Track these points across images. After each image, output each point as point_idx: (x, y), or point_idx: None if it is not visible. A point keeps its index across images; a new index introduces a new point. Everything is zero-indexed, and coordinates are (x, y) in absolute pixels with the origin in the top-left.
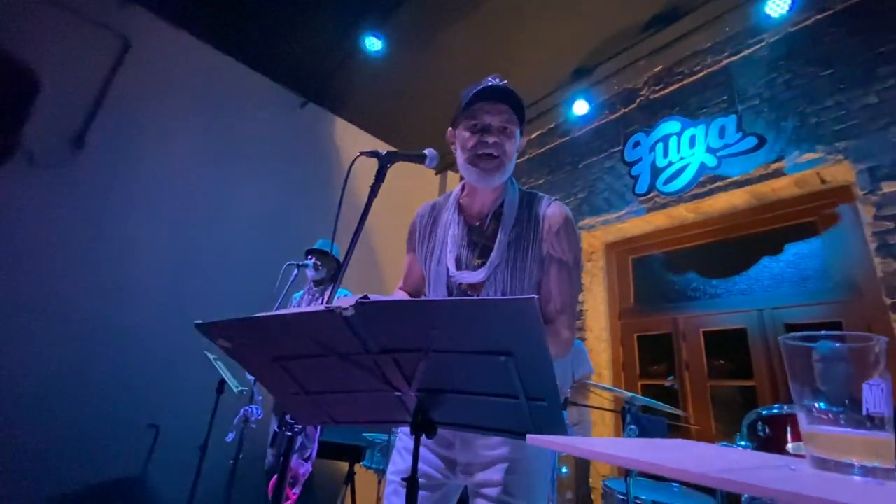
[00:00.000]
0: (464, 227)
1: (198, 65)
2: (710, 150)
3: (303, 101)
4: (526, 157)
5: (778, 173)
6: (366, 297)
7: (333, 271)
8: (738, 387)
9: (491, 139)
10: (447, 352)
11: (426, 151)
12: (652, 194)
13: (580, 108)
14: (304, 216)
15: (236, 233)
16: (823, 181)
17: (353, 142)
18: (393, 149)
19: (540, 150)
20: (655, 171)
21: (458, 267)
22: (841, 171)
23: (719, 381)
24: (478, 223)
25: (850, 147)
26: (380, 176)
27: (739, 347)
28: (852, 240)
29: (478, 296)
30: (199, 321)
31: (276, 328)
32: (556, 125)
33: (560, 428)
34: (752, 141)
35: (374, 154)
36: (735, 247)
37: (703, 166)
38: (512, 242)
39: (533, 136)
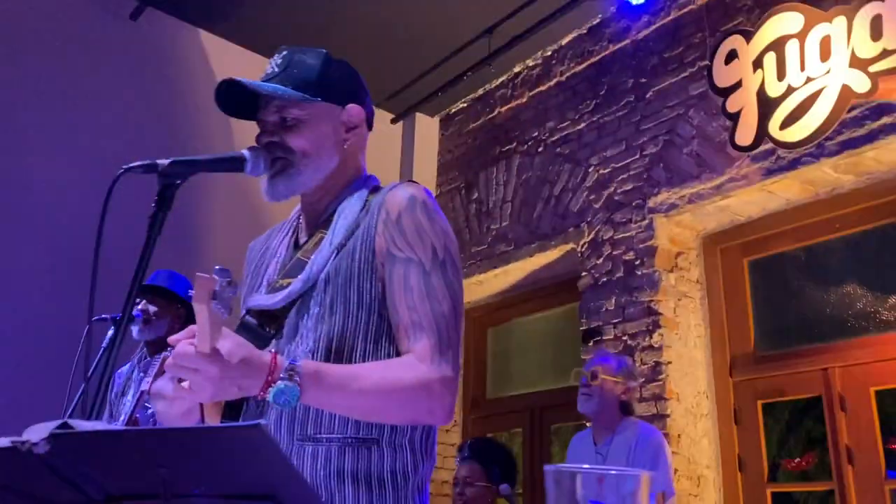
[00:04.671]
0: (291, 245)
1: None
2: (856, 62)
3: (137, 6)
4: (555, 81)
5: None
6: (65, 423)
7: (181, 323)
8: None
9: (264, 140)
10: (193, 496)
11: (244, 152)
12: (765, 146)
13: None
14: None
15: (16, 242)
16: None
17: (229, 66)
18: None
19: (577, 69)
20: (766, 105)
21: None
22: None
23: None
24: (307, 236)
25: None
26: (163, 203)
27: None
28: None
29: (275, 329)
30: None
31: None
32: (602, 20)
33: None
34: None
35: (148, 169)
36: None
37: (847, 92)
38: (339, 251)
39: (564, 41)
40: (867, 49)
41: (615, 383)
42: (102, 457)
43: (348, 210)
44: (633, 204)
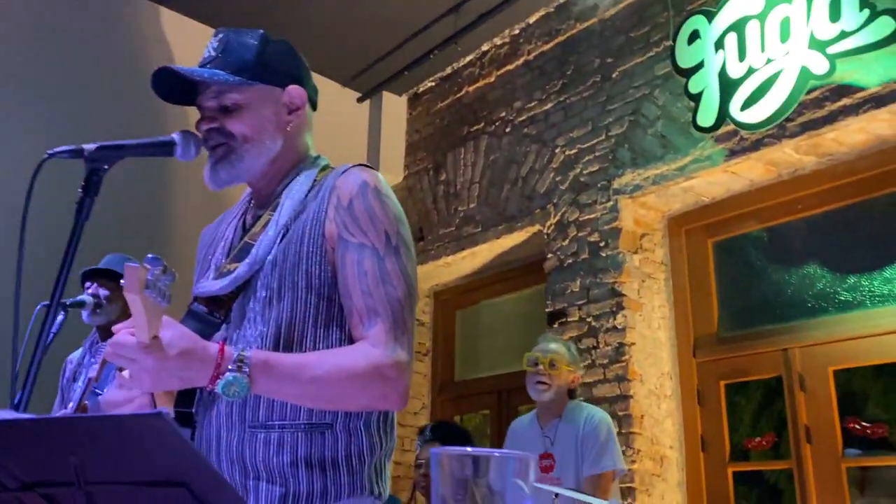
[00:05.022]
0: (240, 230)
1: None
2: (815, 43)
3: None
4: (522, 60)
5: None
6: None
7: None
8: (892, 468)
9: (204, 126)
10: (108, 483)
11: (175, 136)
12: (728, 127)
13: None
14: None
15: None
16: None
17: (188, 43)
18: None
19: (544, 48)
20: (728, 87)
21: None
22: None
23: (861, 458)
24: (254, 219)
25: None
26: (89, 188)
27: (894, 397)
28: None
29: (223, 315)
30: None
31: None
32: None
33: None
34: (888, 23)
35: (74, 154)
36: (886, 213)
37: (805, 74)
38: (286, 234)
39: (531, 19)
40: (826, 30)
41: (570, 373)
42: (13, 446)
43: (296, 190)
44: (599, 185)
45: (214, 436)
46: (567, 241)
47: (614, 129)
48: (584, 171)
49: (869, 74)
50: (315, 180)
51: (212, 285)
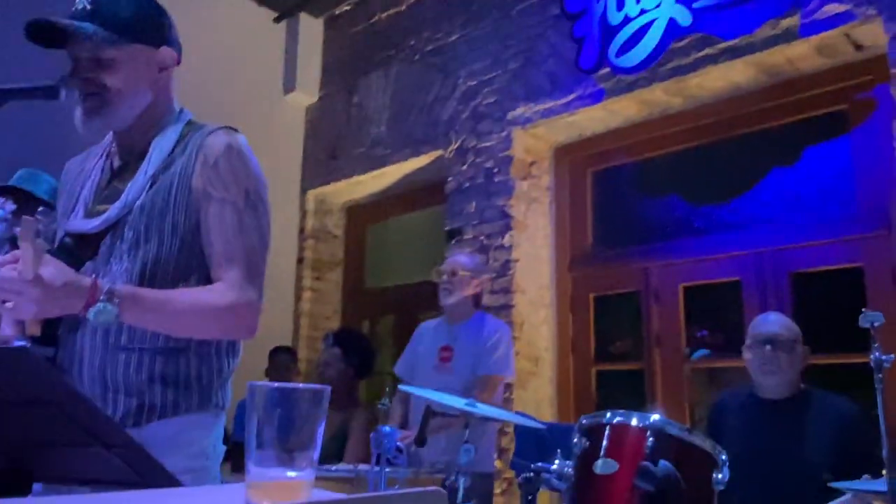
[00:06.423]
0: (107, 171)
1: None
2: None
3: None
4: None
5: (790, 35)
6: None
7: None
8: (726, 369)
9: (79, 76)
10: None
11: (58, 82)
12: (607, 69)
13: None
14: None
15: None
16: (858, 47)
17: None
18: None
19: None
20: (607, 33)
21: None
22: (873, 33)
23: (701, 361)
24: (121, 164)
25: None
26: None
27: (730, 311)
28: (885, 141)
29: (92, 251)
30: None
31: None
32: None
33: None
34: None
35: None
36: (737, 152)
37: (673, 25)
38: (154, 183)
39: None
40: None
41: (470, 278)
42: None
43: (164, 143)
44: (495, 116)
45: (77, 355)
46: (465, 167)
47: (511, 64)
48: (483, 103)
49: (727, 28)
50: (181, 134)
51: (83, 224)
